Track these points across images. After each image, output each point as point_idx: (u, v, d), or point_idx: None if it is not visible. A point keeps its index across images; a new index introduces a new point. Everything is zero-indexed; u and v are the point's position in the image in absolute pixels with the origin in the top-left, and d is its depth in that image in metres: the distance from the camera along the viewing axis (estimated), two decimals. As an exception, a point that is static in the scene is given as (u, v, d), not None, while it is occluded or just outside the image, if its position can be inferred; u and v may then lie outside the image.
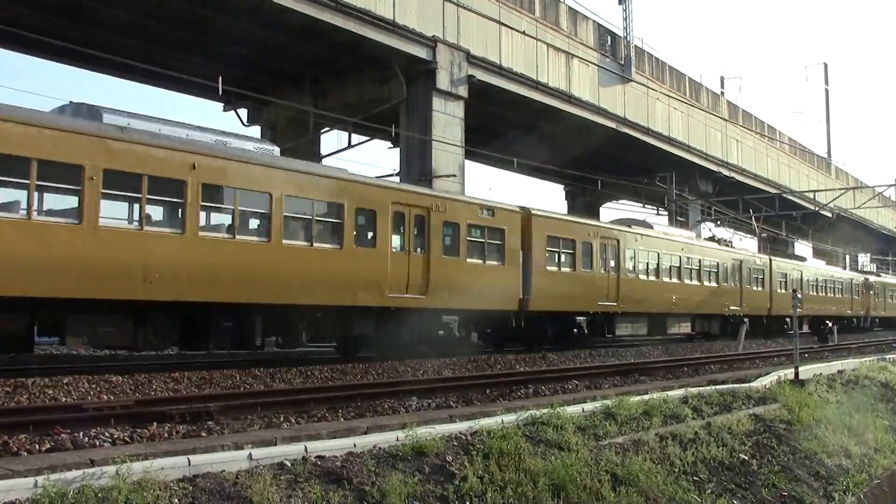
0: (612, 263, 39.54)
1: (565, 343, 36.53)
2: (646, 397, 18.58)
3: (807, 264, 68.96)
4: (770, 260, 60.11)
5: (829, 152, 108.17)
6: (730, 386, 22.90)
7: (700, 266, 48.31)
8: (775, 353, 38.53)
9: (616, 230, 40.99)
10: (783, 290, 59.47)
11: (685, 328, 47.98)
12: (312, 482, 10.59)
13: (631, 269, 41.61)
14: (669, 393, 19.89)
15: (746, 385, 23.39)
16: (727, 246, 56.32)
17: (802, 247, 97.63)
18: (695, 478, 15.24)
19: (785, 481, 16.89)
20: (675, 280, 45.51)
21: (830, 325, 57.47)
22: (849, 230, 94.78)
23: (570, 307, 37.31)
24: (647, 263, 43.28)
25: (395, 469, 11.59)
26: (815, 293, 66.54)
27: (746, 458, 17.23)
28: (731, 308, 52.15)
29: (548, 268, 35.50)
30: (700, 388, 21.52)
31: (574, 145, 54.75)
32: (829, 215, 78.55)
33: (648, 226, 46.11)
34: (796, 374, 26.33)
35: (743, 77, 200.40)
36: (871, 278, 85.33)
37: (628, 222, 45.22)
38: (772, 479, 16.64)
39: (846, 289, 74.97)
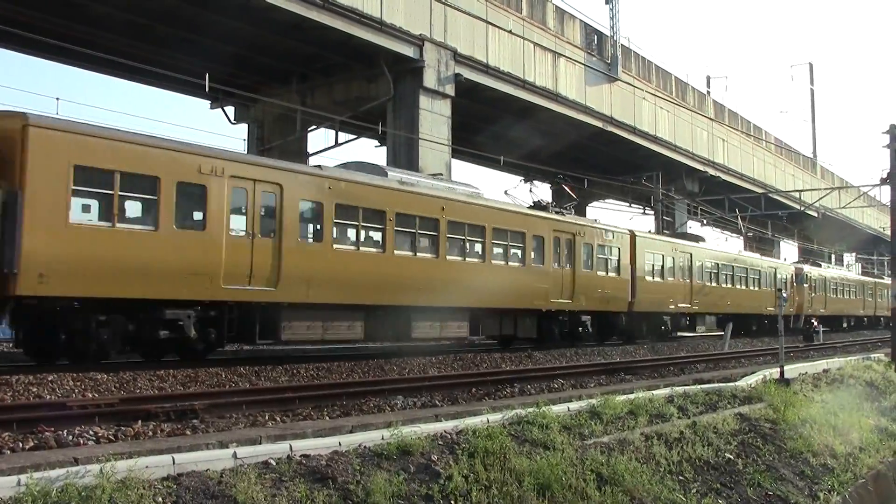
0: (268, 225, 24.78)
1: (135, 351, 24.04)
2: (631, 396, 18.61)
3: (703, 246, 54.23)
4: (633, 236, 43.63)
5: (814, 152, 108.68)
6: (715, 385, 22.95)
7: (485, 238, 32.47)
8: (761, 353, 38.59)
9: (275, 170, 25.39)
10: (657, 279, 45.74)
11: (455, 330, 32.20)
12: (297, 481, 10.58)
13: (309, 234, 26.99)
14: (655, 392, 19.95)
15: (732, 384, 23.46)
16: (556, 214, 39.21)
17: (788, 246, 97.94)
18: (680, 477, 15.28)
19: (770, 480, 16.94)
20: (426, 255, 30.00)
21: (816, 323, 57.27)
22: (834, 230, 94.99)
23: (145, 293, 22.16)
24: (359, 228, 27.93)
25: (381, 468, 11.59)
26: (714, 283, 53.05)
27: (732, 457, 17.27)
28: (556, 301, 36.45)
29: (77, 221, 20.87)
30: (686, 388, 21.59)
31: (560, 144, 54.86)
32: (815, 215, 78.59)
33: (380, 172, 30.14)
34: (782, 373, 26.37)
35: (729, 77, 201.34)
36: (807, 268, 72.72)
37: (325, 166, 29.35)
38: (757, 478, 16.70)
39: (767, 280, 61.80)
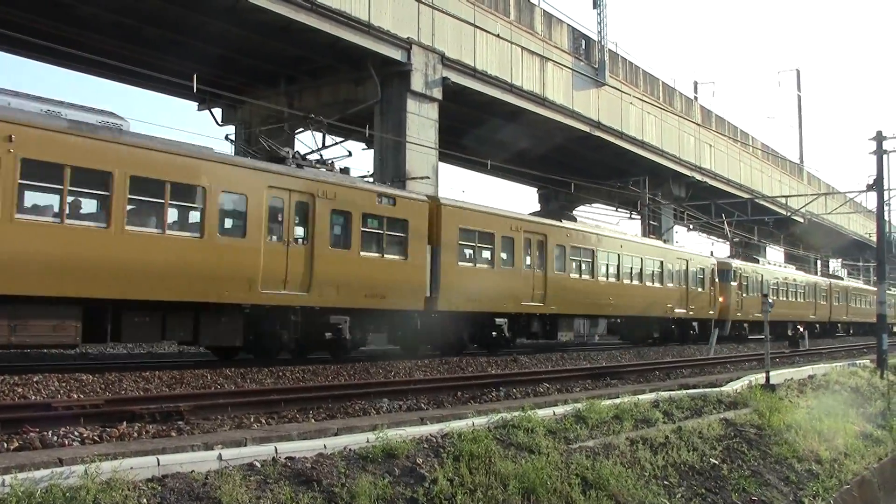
0: None
1: None
2: (617, 401, 18.65)
3: (567, 225, 40.57)
4: (436, 206, 31.85)
5: (801, 158, 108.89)
6: (701, 390, 22.99)
7: (113, 189, 21.12)
8: (746, 358, 38.62)
9: None
10: (481, 266, 33.70)
11: (48, 333, 20.30)
12: (282, 483, 10.57)
13: None
14: (640, 397, 19.96)
15: (717, 389, 23.51)
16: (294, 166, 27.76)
17: (774, 252, 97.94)
18: (665, 482, 15.29)
19: (755, 486, 16.97)
20: None
21: (801, 329, 56.84)
22: (820, 235, 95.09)
23: None
24: None
25: (365, 471, 11.58)
26: (587, 276, 40.78)
27: (717, 462, 17.29)
28: (272, 292, 25.00)
29: None
30: (671, 393, 21.58)
31: (547, 148, 54.90)
32: (801, 221, 78.73)
33: None
34: (767, 378, 26.41)
35: (716, 82, 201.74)
36: (737, 263, 60.70)
37: None
38: (742, 483, 16.72)
39: (676, 275, 49.96)
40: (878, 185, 42.02)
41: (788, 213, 74.97)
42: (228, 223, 24.73)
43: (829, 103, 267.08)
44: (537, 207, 71.70)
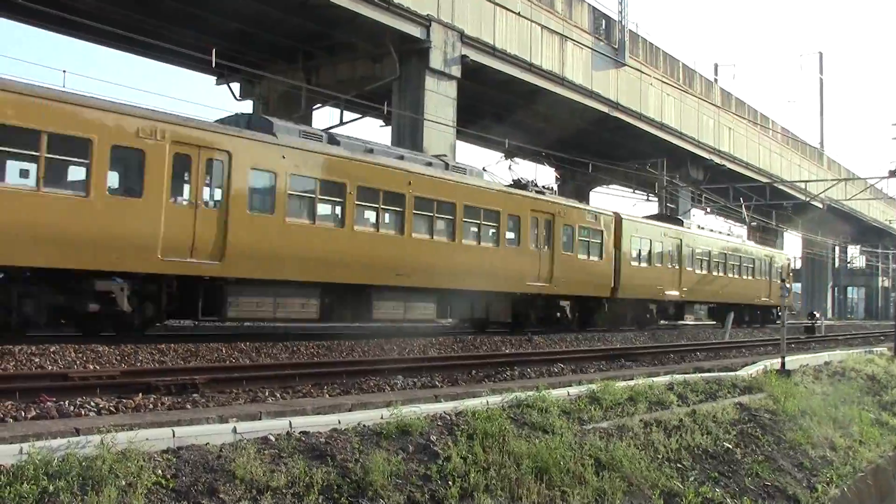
0: None
1: None
2: (631, 383, 18.57)
3: (316, 147, 26.02)
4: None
5: (821, 142, 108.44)
6: (715, 374, 22.89)
7: None
8: (762, 343, 38.59)
9: None
10: (46, 189, 18.95)
11: None
12: (296, 458, 10.57)
13: None
14: (655, 379, 19.89)
15: (732, 373, 23.39)
16: None
17: (792, 237, 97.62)
18: (678, 465, 15.25)
19: (769, 471, 16.90)
20: None
21: (818, 315, 56.42)
22: (840, 221, 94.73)
23: None
24: None
25: (379, 447, 11.57)
26: (338, 225, 26.61)
27: (730, 446, 17.23)
28: None
29: None
30: (686, 376, 21.51)
31: (565, 128, 54.80)
32: (820, 206, 78.44)
33: None
34: (783, 364, 26.28)
35: (737, 64, 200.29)
36: (626, 216, 42.97)
37: None
38: (755, 468, 16.65)
39: (533, 234, 34.78)
40: (899, 172, 41.82)
41: (807, 198, 74.74)
42: None
43: (852, 88, 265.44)
44: (554, 188, 71.61)
